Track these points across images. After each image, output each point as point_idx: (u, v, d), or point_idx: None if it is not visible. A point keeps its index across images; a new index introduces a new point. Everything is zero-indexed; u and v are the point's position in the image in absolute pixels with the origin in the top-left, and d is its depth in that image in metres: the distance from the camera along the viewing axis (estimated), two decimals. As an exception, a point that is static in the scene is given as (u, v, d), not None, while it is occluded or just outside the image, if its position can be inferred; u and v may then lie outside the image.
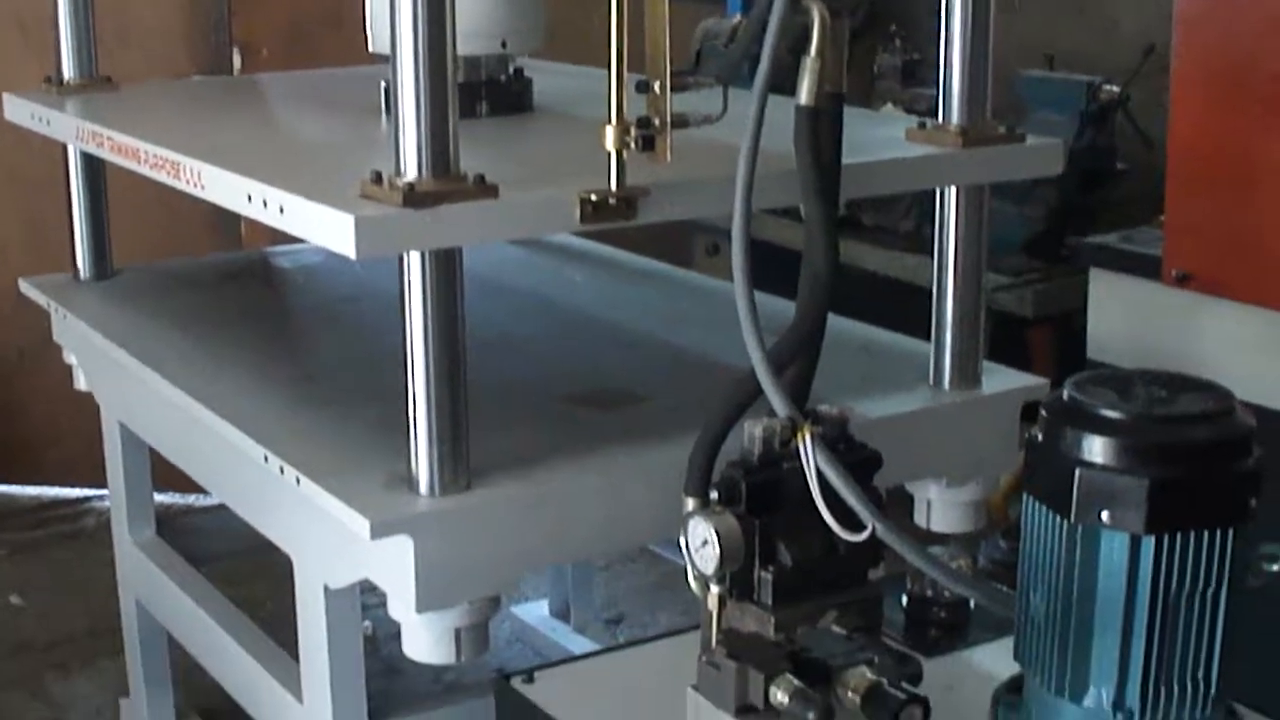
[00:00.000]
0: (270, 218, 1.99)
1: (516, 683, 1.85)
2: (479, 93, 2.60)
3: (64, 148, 2.94)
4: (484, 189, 1.88)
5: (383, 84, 2.50)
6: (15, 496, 4.83)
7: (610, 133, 1.89)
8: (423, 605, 1.94)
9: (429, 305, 1.89)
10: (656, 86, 1.90)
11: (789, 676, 1.52)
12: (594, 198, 1.91)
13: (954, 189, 2.29)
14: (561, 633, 3.68)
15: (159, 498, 3.11)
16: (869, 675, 1.52)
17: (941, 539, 2.33)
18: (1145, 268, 3.14)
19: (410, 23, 1.80)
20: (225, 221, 4.57)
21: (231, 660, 2.60)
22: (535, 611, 3.79)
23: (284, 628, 2.39)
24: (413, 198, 1.83)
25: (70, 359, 3.01)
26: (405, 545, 1.91)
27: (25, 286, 3.03)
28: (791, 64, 1.91)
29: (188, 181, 2.22)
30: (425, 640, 2.00)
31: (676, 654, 1.79)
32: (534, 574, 3.79)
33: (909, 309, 2.60)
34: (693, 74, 2.01)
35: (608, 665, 1.99)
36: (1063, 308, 3.96)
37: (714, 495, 1.65)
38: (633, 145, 1.89)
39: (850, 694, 1.52)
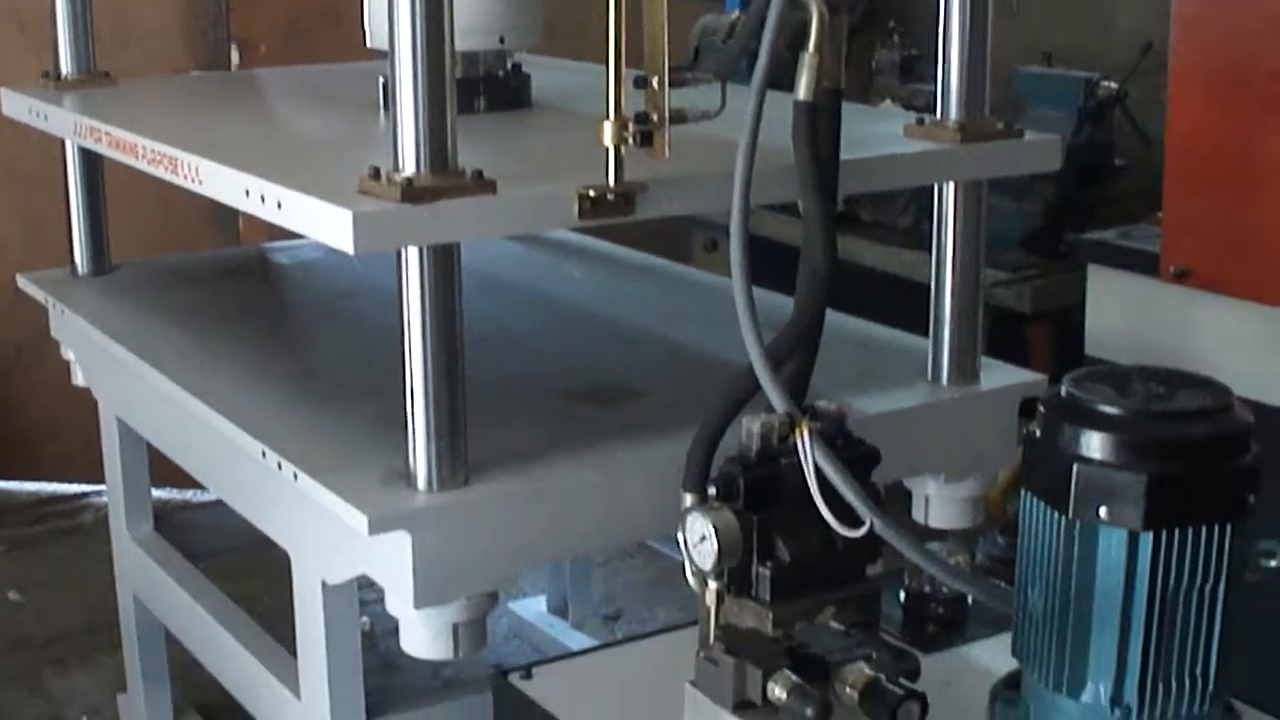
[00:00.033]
0: (268, 213, 1.99)
1: (514, 679, 1.85)
2: (477, 88, 2.60)
3: (62, 143, 2.94)
4: (482, 184, 1.88)
5: (381, 79, 2.50)
6: (13, 492, 4.82)
7: (608, 128, 1.89)
8: (420, 601, 1.94)
9: (427, 301, 1.89)
10: (655, 82, 1.90)
11: (787, 672, 1.52)
12: (592, 193, 1.91)
13: (952, 185, 2.29)
14: (559, 629, 3.68)
15: (157, 493, 3.11)
16: (867, 671, 1.52)
17: (940, 535, 2.33)
18: (1143, 264, 3.14)
19: (408, 18, 1.80)
20: (223, 217, 4.57)
21: (229, 656, 2.60)
22: (533, 607, 3.79)
23: (282, 623, 2.39)
24: (411, 193, 1.83)
25: (68, 354, 3.01)
26: (403, 541, 1.91)
27: (23, 282, 3.03)
28: (790, 59, 1.91)
29: (186, 177, 2.22)
30: (423, 636, 2.00)
31: (674, 650, 1.79)
32: (532, 570, 3.79)
33: (907, 305, 2.60)
34: (691, 70, 2.01)
35: (606, 661, 1.99)
36: (1061, 304, 3.96)
37: (712, 491, 1.64)
38: (631, 141, 1.89)
39: (848, 690, 1.52)
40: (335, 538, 2.07)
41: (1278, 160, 2.84)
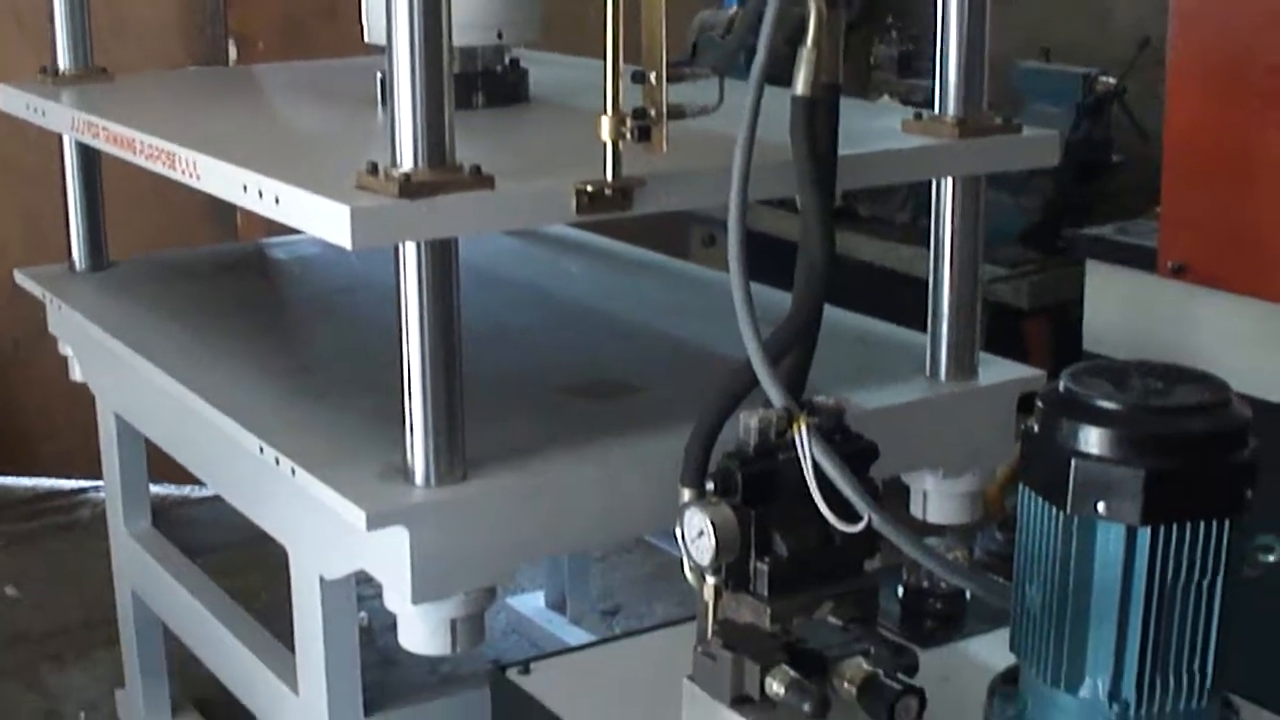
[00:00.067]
0: (266, 208, 1.99)
1: (512, 674, 1.85)
2: (475, 83, 2.60)
3: (60, 138, 2.94)
4: (480, 180, 1.88)
5: (379, 75, 2.50)
6: (10, 488, 4.82)
7: (606, 123, 1.89)
8: (418, 596, 1.94)
9: (425, 296, 1.88)
10: (653, 77, 1.90)
11: (785, 667, 1.52)
12: (590, 188, 1.91)
13: (950, 180, 2.29)
14: (557, 624, 3.68)
15: (154, 489, 3.11)
16: (865, 666, 1.53)
17: (938, 530, 2.33)
18: (1141, 259, 3.14)
19: (406, 13, 1.80)
20: (221, 212, 4.56)
21: (227, 651, 2.60)
22: (531, 603, 3.79)
23: (280, 619, 2.39)
24: (409, 188, 1.83)
25: (66, 350, 3.01)
26: (401, 536, 1.91)
27: (20, 277, 3.03)
28: (788, 55, 1.91)
29: (183, 172, 2.22)
30: (421, 631, 2.00)
31: (672, 645, 1.79)
32: (530, 565, 3.79)
33: (905, 300, 2.60)
34: (689, 65, 2.01)
35: (604, 656, 1.99)
36: (1059, 299, 3.96)
37: (710, 486, 1.65)
38: (629, 136, 1.89)
39: (846, 685, 1.52)
40: (333, 533, 2.07)
41: (1275, 155, 2.84)
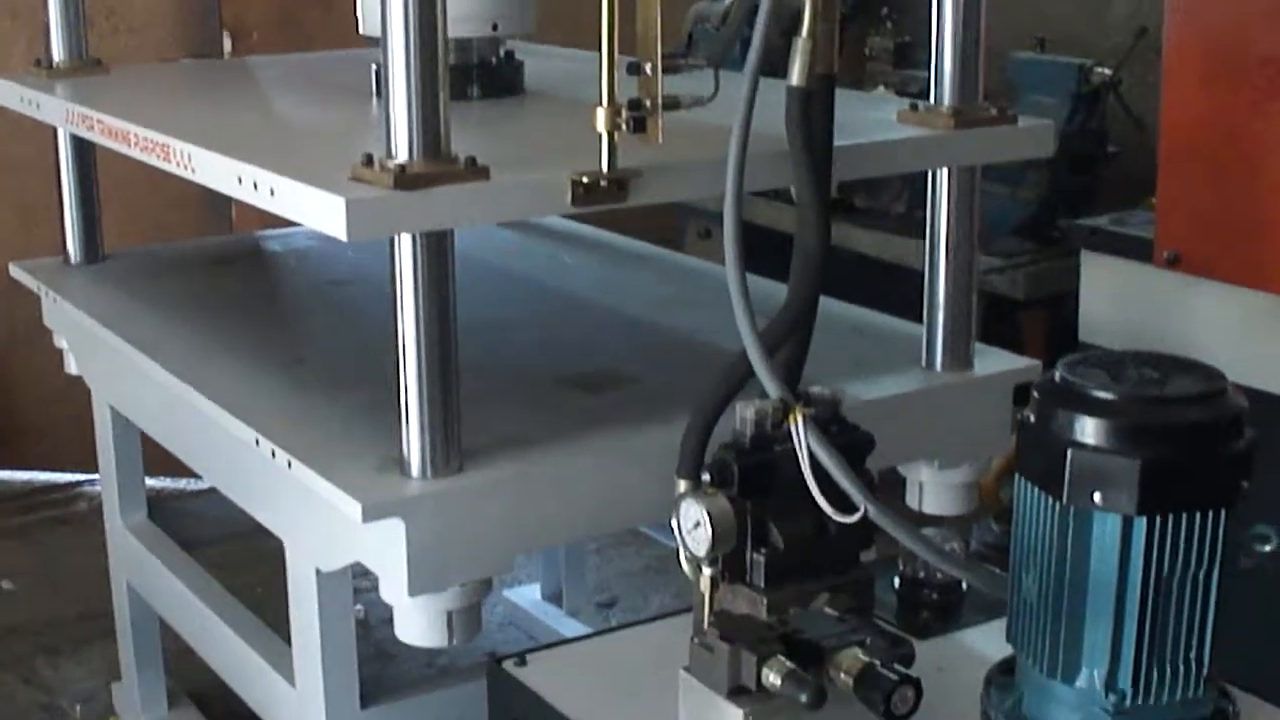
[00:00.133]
0: (261, 200, 1.99)
1: (509, 666, 1.85)
2: (470, 75, 2.60)
3: (54, 131, 2.93)
4: (475, 171, 1.88)
5: (374, 66, 2.49)
6: (6, 481, 4.82)
7: (602, 115, 1.89)
8: (415, 588, 1.94)
9: (420, 288, 1.88)
10: (648, 68, 1.90)
11: (781, 658, 1.52)
12: (585, 180, 1.91)
13: (945, 171, 2.29)
14: (554, 616, 3.68)
15: (150, 482, 3.11)
16: (861, 657, 1.52)
17: (934, 521, 2.33)
18: (1137, 250, 3.14)
19: (401, 5, 1.80)
20: (216, 205, 4.56)
21: (223, 644, 2.60)
22: (527, 595, 3.79)
23: (276, 612, 2.39)
24: (404, 180, 1.82)
25: (61, 343, 3.00)
26: (397, 528, 1.91)
27: (15, 270, 3.02)
28: (783, 46, 1.91)
29: (178, 164, 2.22)
30: (417, 623, 2.00)
31: (669, 636, 1.79)
32: (526, 557, 3.79)
33: (901, 291, 2.60)
34: (684, 56, 2.00)
35: (600, 648, 1.99)
36: (1054, 290, 3.96)
37: (706, 477, 1.65)
38: (624, 127, 1.89)
39: (842, 675, 1.52)
40: (329, 525, 2.07)
41: (1271, 146, 2.84)
